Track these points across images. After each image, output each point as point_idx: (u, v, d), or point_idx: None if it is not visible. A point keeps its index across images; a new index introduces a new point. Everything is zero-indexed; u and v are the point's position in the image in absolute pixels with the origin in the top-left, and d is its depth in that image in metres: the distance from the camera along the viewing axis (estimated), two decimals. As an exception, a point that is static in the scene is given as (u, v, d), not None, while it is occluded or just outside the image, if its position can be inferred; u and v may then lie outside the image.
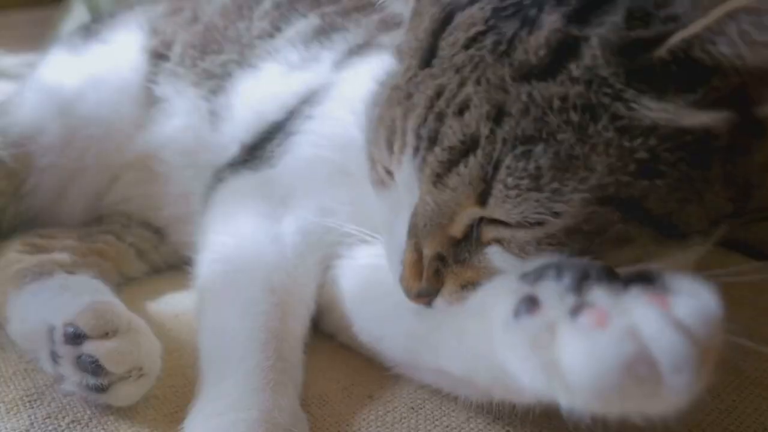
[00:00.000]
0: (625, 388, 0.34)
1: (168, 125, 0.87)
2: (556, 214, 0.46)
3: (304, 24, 0.89)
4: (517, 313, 0.38)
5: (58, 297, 0.65)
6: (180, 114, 0.87)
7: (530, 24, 0.48)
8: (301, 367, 0.58)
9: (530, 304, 0.38)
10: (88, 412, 0.58)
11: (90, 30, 1.01)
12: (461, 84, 0.49)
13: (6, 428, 0.56)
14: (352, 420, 0.56)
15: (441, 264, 0.51)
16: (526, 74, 0.47)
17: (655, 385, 0.34)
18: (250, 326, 0.58)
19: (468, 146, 0.48)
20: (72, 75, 0.91)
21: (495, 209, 0.48)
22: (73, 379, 0.57)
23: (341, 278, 0.64)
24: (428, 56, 0.52)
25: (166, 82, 0.89)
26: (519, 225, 0.48)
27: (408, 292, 0.53)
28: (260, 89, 0.84)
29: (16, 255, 0.76)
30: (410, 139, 0.51)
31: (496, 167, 0.46)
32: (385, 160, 0.55)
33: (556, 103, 0.46)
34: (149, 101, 0.89)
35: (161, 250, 0.89)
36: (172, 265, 0.88)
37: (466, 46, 0.50)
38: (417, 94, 0.51)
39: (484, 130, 0.47)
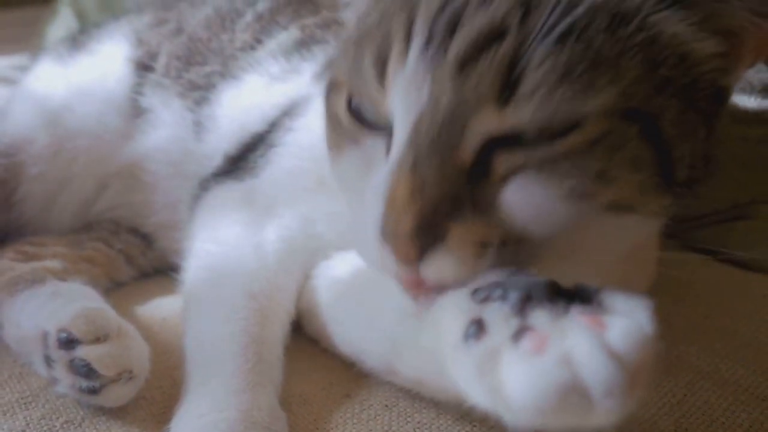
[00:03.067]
0: (561, 410, 0.36)
1: (154, 136, 0.90)
2: (580, 121, 0.44)
3: (284, 36, 0.92)
4: (465, 337, 0.40)
5: (51, 303, 0.67)
6: (166, 125, 0.89)
7: None
8: (280, 368, 0.62)
9: (477, 327, 0.40)
10: (81, 413, 0.61)
11: (76, 41, 1.03)
12: None
13: (3, 429, 0.59)
14: (331, 418, 0.59)
15: (452, 208, 0.45)
16: None
17: (588, 407, 0.36)
18: (231, 331, 0.61)
19: (496, 34, 0.44)
20: (59, 86, 0.93)
21: (518, 109, 0.44)
22: (66, 381, 0.60)
23: (320, 288, 0.67)
24: None
25: (151, 93, 0.91)
26: (539, 138, 0.44)
27: (395, 234, 0.45)
28: (243, 101, 0.86)
29: (9, 263, 0.79)
30: (421, 31, 0.46)
31: (525, 58, 0.44)
32: (374, 91, 0.49)
33: (587, 1, 0.45)
34: (136, 112, 0.91)
35: (149, 255, 0.92)
36: (159, 269, 0.91)
37: None
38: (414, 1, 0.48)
39: (513, 19, 0.44)
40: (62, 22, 1.78)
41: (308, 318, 0.68)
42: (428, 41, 0.46)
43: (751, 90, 0.82)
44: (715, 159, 0.54)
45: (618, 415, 0.36)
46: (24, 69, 1.70)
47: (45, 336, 0.62)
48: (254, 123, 0.81)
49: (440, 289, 0.46)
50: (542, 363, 0.36)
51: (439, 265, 0.45)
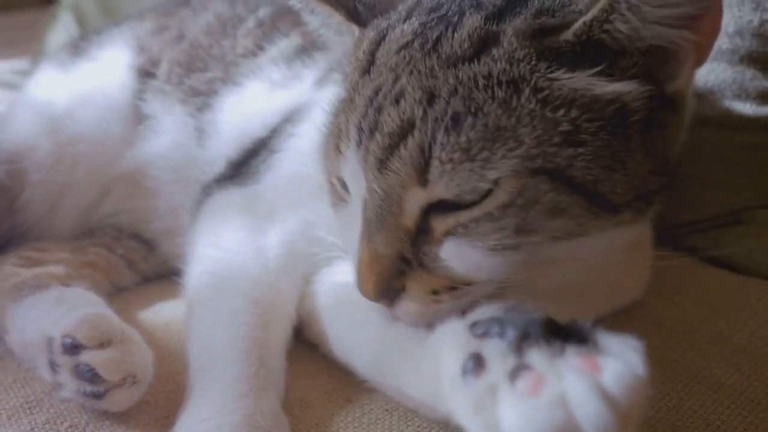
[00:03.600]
0: None
1: (156, 142, 0.91)
2: (489, 188, 0.50)
3: (286, 43, 0.92)
4: (464, 372, 0.42)
5: (55, 309, 0.68)
6: (168, 131, 0.90)
7: (453, 27, 0.55)
8: (282, 373, 0.62)
9: (476, 363, 0.42)
10: (85, 417, 0.61)
11: (78, 47, 1.04)
12: (396, 80, 0.54)
13: (8, 434, 0.60)
14: (332, 422, 0.60)
15: (405, 265, 0.54)
16: (453, 62, 0.52)
17: None
18: (234, 336, 0.62)
19: (405, 130, 0.52)
20: (62, 93, 0.94)
21: (435, 186, 0.51)
22: (71, 386, 0.61)
23: (319, 293, 0.68)
24: (367, 67, 0.58)
25: (153, 100, 0.92)
26: (459, 204, 0.51)
27: (365, 292, 0.55)
28: (244, 107, 0.87)
29: (13, 269, 0.80)
30: (353, 133, 0.55)
31: (431, 145, 0.51)
32: (335, 168, 0.58)
33: (481, 81, 0.51)
34: (138, 118, 0.92)
35: (150, 260, 0.93)
36: (160, 274, 0.92)
37: (398, 51, 0.56)
38: (358, 97, 0.56)
39: (418, 113, 0.52)
40: (62, 27, 1.78)
41: (309, 322, 0.69)
42: (358, 142, 0.55)
43: (746, 97, 0.83)
44: (678, 165, 0.57)
45: None
46: (24, 73, 1.71)
47: (50, 341, 0.63)
48: (256, 129, 0.83)
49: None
50: (538, 403, 0.38)
51: (405, 310, 0.55)
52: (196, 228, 0.76)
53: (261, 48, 0.93)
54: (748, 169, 0.84)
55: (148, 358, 0.64)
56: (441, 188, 0.51)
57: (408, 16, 0.59)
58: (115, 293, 0.87)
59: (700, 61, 0.56)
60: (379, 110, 0.54)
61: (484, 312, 0.46)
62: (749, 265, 0.82)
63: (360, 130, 0.55)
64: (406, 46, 0.56)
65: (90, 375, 0.60)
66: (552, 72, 0.51)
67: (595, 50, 0.51)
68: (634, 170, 0.53)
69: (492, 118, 0.50)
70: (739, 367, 0.65)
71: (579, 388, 0.38)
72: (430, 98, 0.52)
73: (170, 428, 0.57)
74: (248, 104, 0.87)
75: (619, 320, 0.69)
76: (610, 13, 0.50)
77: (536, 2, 0.54)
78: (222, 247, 0.72)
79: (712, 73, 0.83)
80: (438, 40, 0.54)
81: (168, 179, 0.90)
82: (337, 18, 0.64)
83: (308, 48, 0.90)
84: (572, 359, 0.40)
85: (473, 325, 0.45)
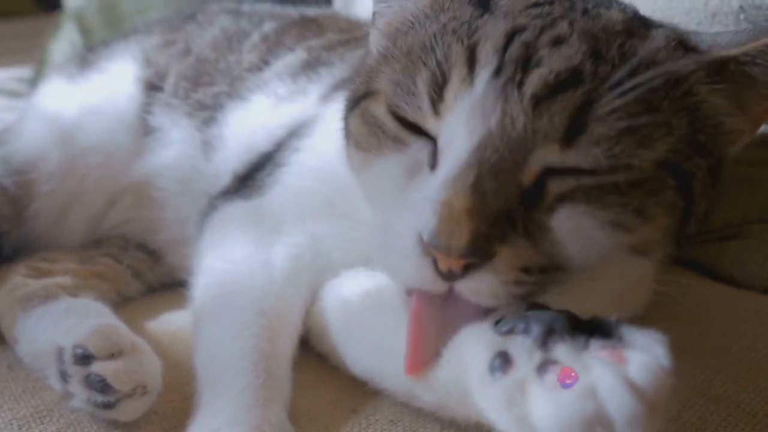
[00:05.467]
0: None
1: (163, 154, 0.92)
2: (633, 164, 0.48)
3: (291, 58, 0.94)
4: (492, 370, 0.43)
5: (65, 320, 0.69)
6: (175, 144, 0.92)
7: (601, 4, 0.56)
8: (289, 383, 0.63)
9: (503, 360, 0.43)
10: (95, 427, 0.62)
11: (85, 59, 1.05)
12: (548, 25, 0.51)
13: (20, 443, 0.61)
14: (338, 432, 0.61)
15: (508, 227, 0.47)
16: (616, 32, 0.52)
17: None
18: (241, 348, 0.63)
19: (572, 80, 0.48)
20: (70, 105, 0.95)
21: (579, 152, 0.48)
22: (81, 396, 0.62)
23: (330, 308, 0.68)
24: (484, 7, 0.54)
25: (160, 113, 0.94)
26: (593, 171, 0.48)
27: (454, 244, 0.46)
28: (250, 121, 0.89)
29: (22, 279, 0.81)
30: (489, 60, 0.49)
31: (594, 107, 0.47)
32: (421, 108, 0.52)
33: (645, 61, 0.50)
34: (145, 131, 0.93)
35: (157, 270, 0.94)
36: (166, 284, 0.93)
37: (536, 4, 0.54)
38: (485, 29, 0.51)
39: (588, 66, 0.48)
40: (65, 36, 1.79)
41: (318, 337, 0.69)
42: (498, 71, 0.49)
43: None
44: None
45: None
46: (26, 81, 1.73)
47: (60, 351, 0.64)
48: (261, 143, 0.84)
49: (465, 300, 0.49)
50: (569, 395, 0.39)
51: (478, 284, 0.48)
52: (203, 240, 0.77)
53: (266, 62, 0.94)
54: (744, 184, 0.86)
55: (158, 368, 0.65)
56: (587, 156, 0.47)
57: None
58: (122, 303, 0.88)
59: (749, 138, 0.58)
60: (530, 45, 0.49)
61: (508, 310, 0.47)
62: (746, 279, 0.84)
63: (501, 58, 0.49)
64: (544, 2, 0.54)
65: (101, 385, 0.60)
66: (702, 84, 0.52)
67: (734, 79, 0.53)
68: (707, 207, 0.55)
69: (657, 98, 0.49)
70: (737, 380, 0.66)
71: (607, 380, 0.39)
72: (597, 56, 0.49)
73: (179, 438, 0.59)
74: (254, 118, 0.89)
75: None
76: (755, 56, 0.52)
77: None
78: (228, 260, 0.73)
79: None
80: (588, 9, 0.54)
81: (175, 191, 0.91)
82: None
83: (313, 63, 0.92)
84: (598, 352, 0.41)
85: (497, 323, 0.46)
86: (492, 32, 0.51)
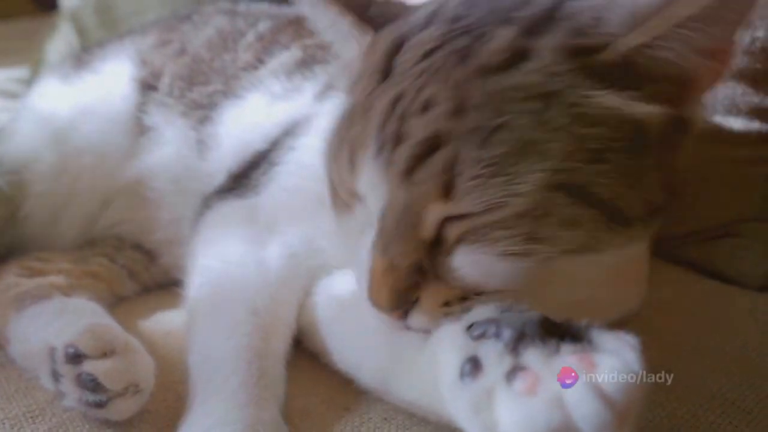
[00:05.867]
0: None
1: (158, 154, 0.92)
2: (514, 197, 0.49)
3: (286, 56, 0.93)
4: (462, 375, 0.43)
5: (58, 319, 0.69)
6: (170, 143, 0.91)
7: (483, 38, 0.53)
8: (283, 382, 0.63)
9: (473, 365, 0.43)
10: (87, 426, 0.62)
11: (81, 59, 1.05)
12: (421, 87, 0.53)
13: (12, 442, 0.60)
14: (331, 431, 0.61)
15: (419, 277, 0.53)
16: (484, 73, 0.51)
17: None
18: (234, 347, 0.63)
19: (433, 141, 0.51)
20: (64, 105, 0.95)
21: (460, 201, 0.50)
22: (73, 395, 0.62)
23: (320, 304, 0.69)
24: (385, 74, 0.56)
25: (155, 112, 0.93)
26: (478, 213, 0.51)
27: (378, 304, 0.54)
28: (245, 119, 0.88)
29: (14, 279, 0.81)
30: (372, 142, 0.54)
31: (460, 159, 0.50)
32: (347, 179, 0.57)
33: (513, 93, 0.50)
34: (140, 130, 0.93)
35: (152, 270, 0.93)
36: (161, 284, 0.92)
37: (422, 59, 0.54)
38: (376, 104, 0.55)
39: (447, 125, 0.50)
40: (62, 37, 1.79)
41: (309, 334, 0.69)
42: (378, 151, 0.53)
43: (737, 112, 0.84)
44: (682, 182, 0.58)
45: None
46: (23, 82, 1.73)
47: (52, 351, 0.64)
48: (256, 141, 0.83)
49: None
50: (535, 404, 0.39)
51: (417, 321, 0.54)
52: (197, 239, 0.77)
53: (261, 61, 0.94)
54: (739, 182, 0.86)
55: (151, 367, 0.64)
56: (466, 203, 0.50)
57: (428, 24, 0.57)
58: (116, 303, 0.87)
59: (715, 87, 0.56)
60: (402, 118, 0.53)
61: (481, 313, 0.47)
62: (740, 277, 0.84)
63: (380, 138, 0.53)
64: (431, 53, 0.54)
65: (92, 384, 0.60)
66: (587, 90, 0.51)
67: (629, 72, 0.52)
68: (648, 187, 0.54)
69: (523, 132, 0.49)
70: (732, 377, 0.66)
71: (576, 388, 0.39)
72: (460, 109, 0.50)
73: (171, 437, 0.58)
74: (249, 117, 0.88)
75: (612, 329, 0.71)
76: (658, 42, 0.51)
77: (571, 21, 0.53)
78: (223, 259, 0.73)
79: (704, 89, 0.85)
80: (467, 50, 0.53)
81: (170, 190, 0.91)
82: (347, 21, 0.63)
83: (309, 61, 0.91)
84: (568, 358, 0.41)
85: (470, 327, 0.46)
86: (378, 106, 0.55)
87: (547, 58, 0.51)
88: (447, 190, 0.51)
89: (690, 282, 0.84)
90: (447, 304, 0.53)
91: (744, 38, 0.82)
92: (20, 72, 1.80)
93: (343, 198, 0.60)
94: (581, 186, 0.51)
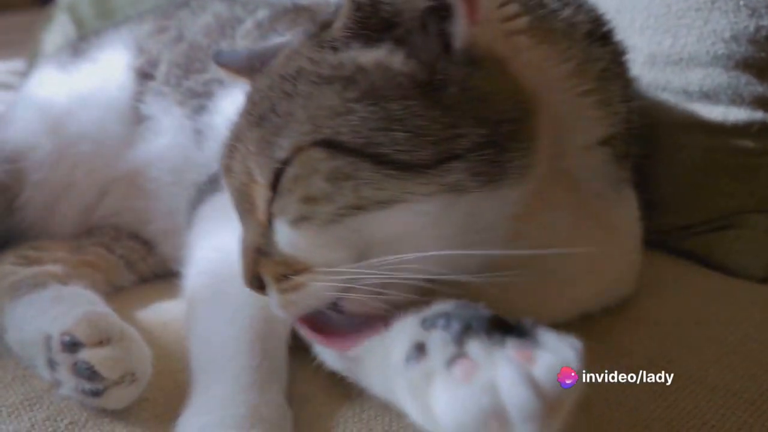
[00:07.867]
0: None
1: (155, 143, 0.91)
2: (281, 164, 0.53)
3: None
4: (407, 358, 0.45)
5: (54, 308, 0.69)
6: (166, 132, 0.91)
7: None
8: (285, 365, 0.63)
9: (419, 351, 0.44)
10: (85, 414, 0.62)
11: (77, 48, 1.04)
12: (235, 138, 0.61)
13: (8, 430, 0.60)
14: (332, 418, 0.60)
15: (259, 255, 0.56)
16: (266, 73, 0.60)
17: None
18: (236, 330, 0.62)
19: (237, 136, 0.59)
20: (62, 93, 0.95)
21: (261, 180, 0.55)
22: (70, 384, 0.61)
23: None
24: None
25: (152, 101, 0.93)
26: (268, 185, 0.55)
27: (245, 284, 0.58)
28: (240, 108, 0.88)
29: (11, 267, 0.80)
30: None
31: (249, 145, 0.56)
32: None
33: (276, 82, 0.57)
34: (137, 119, 0.92)
35: (149, 261, 0.93)
36: (158, 274, 0.92)
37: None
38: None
39: (242, 123, 0.60)
40: (59, 28, 1.78)
41: None
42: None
43: (741, 102, 0.84)
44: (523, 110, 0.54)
45: None
46: (20, 74, 1.72)
47: (48, 339, 0.63)
48: None
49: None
50: (469, 389, 0.40)
51: (273, 300, 0.56)
52: (194, 230, 0.77)
53: None
54: (741, 173, 0.85)
55: (147, 356, 0.64)
56: (263, 180, 0.55)
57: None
58: (113, 293, 0.87)
59: (474, 15, 0.53)
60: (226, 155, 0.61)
61: (437, 308, 0.48)
62: (742, 269, 0.83)
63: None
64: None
65: (88, 373, 0.60)
66: (318, 54, 0.56)
67: (367, 28, 0.54)
68: (426, 129, 0.51)
69: (280, 108, 0.55)
70: (733, 368, 0.66)
71: (509, 376, 0.40)
72: (249, 111, 0.59)
73: (170, 425, 0.58)
74: (244, 105, 0.88)
75: (613, 321, 0.70)
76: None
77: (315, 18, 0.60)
78: (220, 249, 0.72)
79: (708, 78, 0.84)
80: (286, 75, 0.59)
81: (167, 180, 0.90)
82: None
83: None
84: (509, 351, 0.42)
85: (424, 320, 0.47)
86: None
87: (296, 45, 0.59)
88: (253, 174, 0.56)
89: (691, 273, 0.84)
90: (284, 277, 0.55)
91: (749, 27, 0.81)
92: (17, 64, 1.80)
93: None
94: (328, 139, 0.52)
